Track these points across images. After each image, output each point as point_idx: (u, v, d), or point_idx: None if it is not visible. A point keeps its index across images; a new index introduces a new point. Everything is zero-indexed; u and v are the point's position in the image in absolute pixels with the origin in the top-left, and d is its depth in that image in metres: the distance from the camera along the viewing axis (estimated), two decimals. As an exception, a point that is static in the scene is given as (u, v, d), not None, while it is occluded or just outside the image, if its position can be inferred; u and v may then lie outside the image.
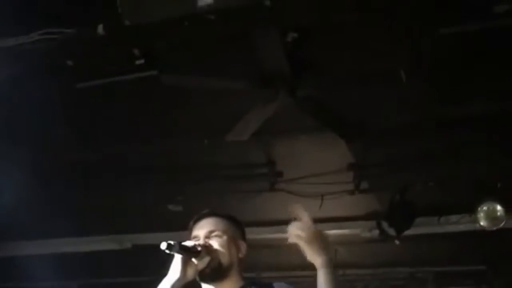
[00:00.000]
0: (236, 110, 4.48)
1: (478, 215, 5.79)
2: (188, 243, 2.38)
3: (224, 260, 2.40)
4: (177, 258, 2.36)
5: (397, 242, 6.28)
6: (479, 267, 7.17)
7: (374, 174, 5.83)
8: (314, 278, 2.28)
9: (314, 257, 2.26)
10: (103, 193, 6.15)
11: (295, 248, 2.31)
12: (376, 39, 4.03)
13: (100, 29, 3.81)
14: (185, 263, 2.35)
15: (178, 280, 2.33)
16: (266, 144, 5.50)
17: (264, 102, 4.26)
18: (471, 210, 5.86)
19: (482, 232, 5.91)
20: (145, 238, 7.13)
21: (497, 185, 5.69)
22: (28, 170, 5.42)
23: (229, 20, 3.79)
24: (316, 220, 2.34)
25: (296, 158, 5.69)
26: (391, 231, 6.22)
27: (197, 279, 2.41)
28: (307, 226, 2.28)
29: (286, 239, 2.30)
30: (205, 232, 2.46)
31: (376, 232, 6.44)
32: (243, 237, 2.55)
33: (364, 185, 5.93)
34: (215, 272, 2.39)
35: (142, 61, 4.21)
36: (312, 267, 2.30)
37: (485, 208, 5.77)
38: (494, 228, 5.80)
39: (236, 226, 2.54)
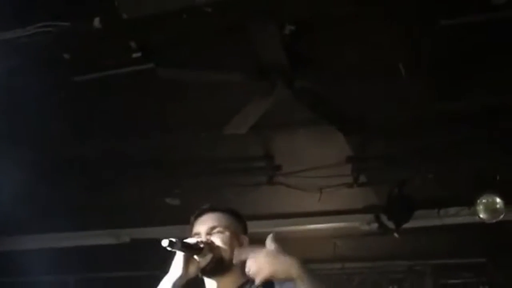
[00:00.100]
0: (234, 104, 4.46)
1: (478, 208, 5.78)
2: (190, 240, 2.35)
3: (227, 256, 2.37)
4: (179, 256, 2.33)
5: (396, 235, 6.27)
6: (478, 260, 7.18)
7: (373, 167, 5.82)
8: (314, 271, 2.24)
9: (286, 273, 2.05)
10: (101, 188, 6.13)
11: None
12: (376, 33, 4.01)
13: (96, 22, 3.78)
14: (187, 261, 2.32)
15: (180, 277, 2.31)
16: (265, 138, 5.48)
17: (262, 95, 4.24)
18: (471, 202, 5.85)
19: (482, 224, 5.90)
20: (143, 232, 7.14)
21: (496, 177, 5.68)
22: (25, 164, 5.41)
23: (227, 12, 3.76)
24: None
25: (294, 151, 5.67)
26: (390, 224, 6.22)
27: (199, 275, 2.39)
28: (253, 260, 2.10)
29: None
30: (206, 228, 2.42)
31: (375, 225, 6.44)
32: (245, 231, 2.51)
33: (362, 178, 5.92)
34: (217, 268, 2.36)
35: (139, 54, 4.17)
36: (311, 261, 2.26)
37: (484, 200, 5.76)
38: (494, 221, 5.79)
39: (237, 221, 2.51)
